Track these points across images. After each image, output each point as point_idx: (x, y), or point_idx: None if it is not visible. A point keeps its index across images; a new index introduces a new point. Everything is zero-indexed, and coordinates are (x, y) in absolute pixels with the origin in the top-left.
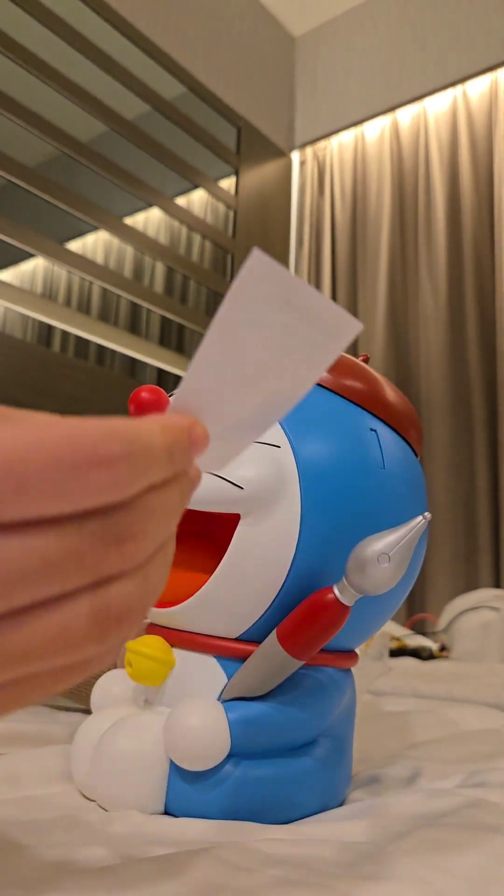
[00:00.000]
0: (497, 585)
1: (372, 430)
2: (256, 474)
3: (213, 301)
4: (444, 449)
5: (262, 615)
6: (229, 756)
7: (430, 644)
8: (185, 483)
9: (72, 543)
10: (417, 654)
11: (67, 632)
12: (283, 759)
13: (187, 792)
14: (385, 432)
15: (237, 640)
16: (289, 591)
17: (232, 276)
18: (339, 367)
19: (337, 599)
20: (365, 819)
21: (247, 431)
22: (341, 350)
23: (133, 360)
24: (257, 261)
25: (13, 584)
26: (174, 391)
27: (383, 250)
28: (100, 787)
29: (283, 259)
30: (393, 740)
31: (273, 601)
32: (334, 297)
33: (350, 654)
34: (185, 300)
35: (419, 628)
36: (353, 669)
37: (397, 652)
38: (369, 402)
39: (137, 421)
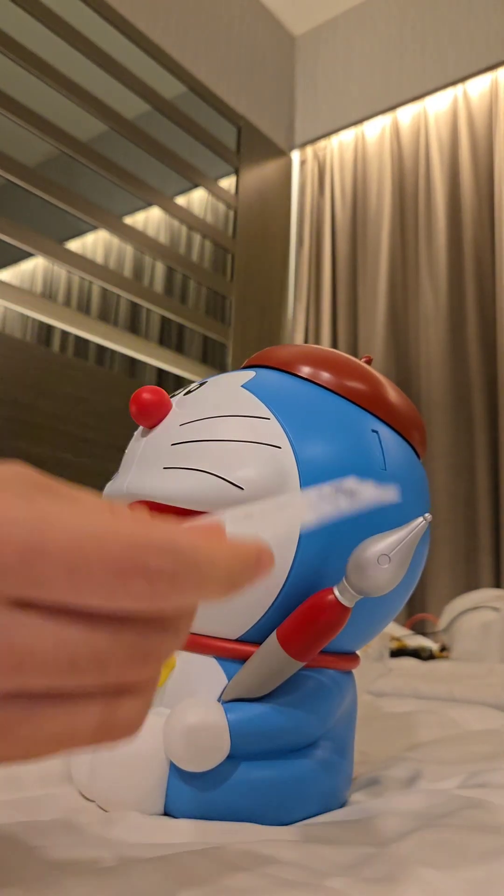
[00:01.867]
0: (497, 585)
1: (373, 431)
2: (257, 474)
3: (213, 301)
4: (444, 449)
5: (263, 616)
6: (229, 757)
7: (430, 644)
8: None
9: (102, 647)
10: (417, 654)
11: (73, 733)
12: (284, 761)
13: (187, 793)
14: (387, 434)
15: (237, 640)
16: (289, 592)
17: (232, 276)
18: (341, 368)
19: (337, 601)
20: (365, 820)
21: None
22: None
23: (133, 360)
24: None
25: (33, 667)
26: (175, 392)
27: (383, 250)
28: (99, 788)
29: (283, 259)
30: (393, 741)
31: (273, 602)
32: (334, 296)
33: (351, 657)
34: (185, 300)
35: (419, 628)
36: (353, 671)
37: (397, 652)
38: (371, 404)
39: (201, 538)
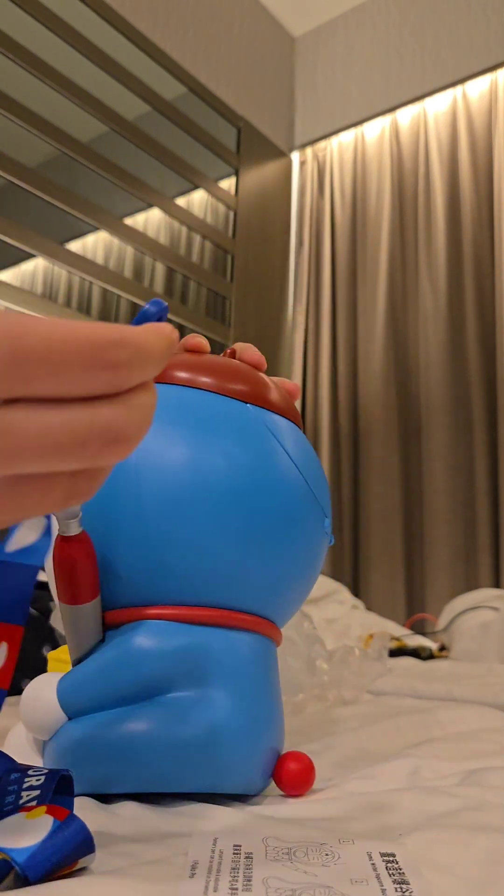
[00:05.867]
0: (497, 585)
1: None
2: None
3: (213, 301)
4: (443, 449)
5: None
6: (72, 720)
7: (429, 644)
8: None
9: (81, 429)
10: (417, 653)
11: (43, 506)
12: (114, 710)
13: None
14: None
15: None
16: None
17: (232, 277)
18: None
19: (59, 536)
20: (363, 819)
21: None
22: None
23: None
24: None
25: (27, 454)
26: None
27: (383, 250)
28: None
29: (283, 260)
30: (392, 740)
31: None
32: (334, 297)
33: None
34: (185, 300)
35: (419, 628)
36: (353, 668)
37: (397, 651)
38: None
39: (142, 333)
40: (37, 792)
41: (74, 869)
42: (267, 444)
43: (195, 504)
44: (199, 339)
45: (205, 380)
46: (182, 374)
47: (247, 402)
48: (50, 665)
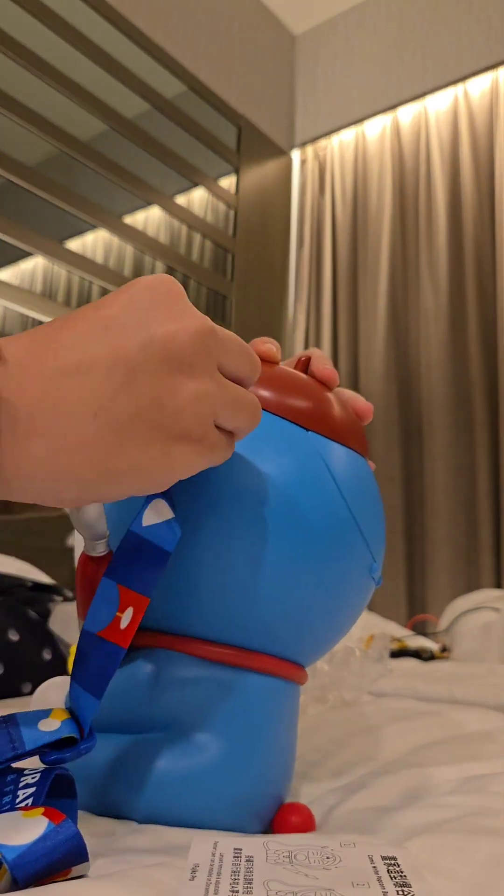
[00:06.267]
0: (498, 586)
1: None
2: None
3: (213, 301)
4: (444, 449)
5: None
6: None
7: (431, 645)
8: None
9: (235, 396)
10: (418, 654)
11: (227, 455)
12: (110, 735)
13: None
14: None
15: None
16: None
17: (232, 276)
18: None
19: (84, 555)
20: (364, 822)
21: None
22: None
23: None
24: None
25: (213, 413)
26: None
27: (384, 249)
28: None
29: (283, 259)
30: (393, 742)
31: None
32: (335, 296)
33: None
34: None
35: (420, 629)
36: (353, 669)
37: (398, 653)
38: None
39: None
40: (32, 789)
41: (68, 877)
42: (316, 475)
43: (217, 527)
44: (268, 346)
45: (264, 394)
46: None
47: (307, 429)
48: (72, 657)
